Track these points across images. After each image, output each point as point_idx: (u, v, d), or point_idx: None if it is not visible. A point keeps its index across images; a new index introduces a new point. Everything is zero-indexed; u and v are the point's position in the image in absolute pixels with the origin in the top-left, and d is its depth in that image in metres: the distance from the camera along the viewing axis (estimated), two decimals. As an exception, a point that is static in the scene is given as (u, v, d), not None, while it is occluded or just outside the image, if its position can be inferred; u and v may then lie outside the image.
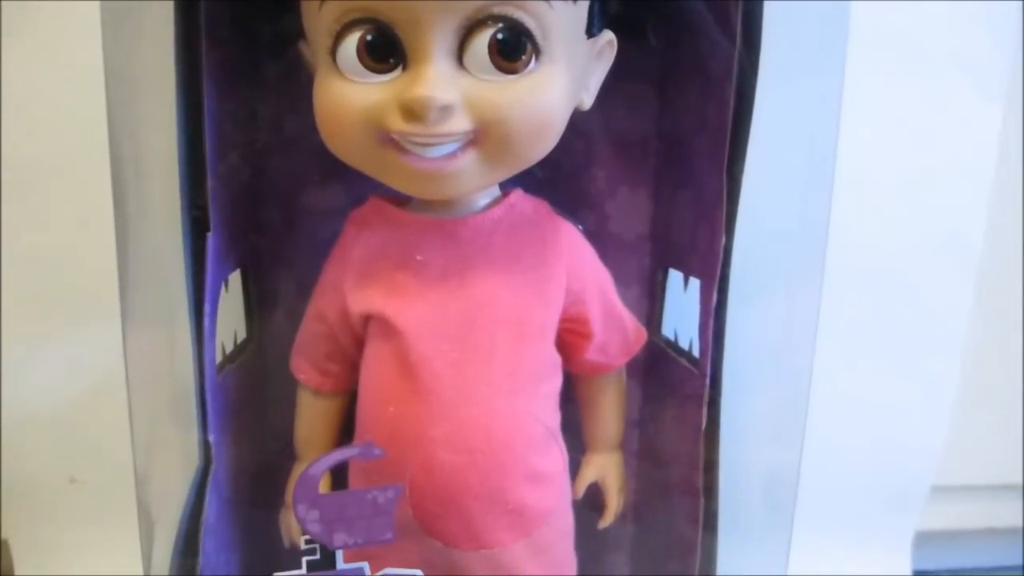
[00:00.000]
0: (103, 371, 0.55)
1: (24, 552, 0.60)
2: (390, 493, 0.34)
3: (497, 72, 0.33)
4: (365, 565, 0.34)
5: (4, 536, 0.60)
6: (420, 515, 0.38)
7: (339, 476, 0.40)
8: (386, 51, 0.33)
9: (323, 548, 0.34)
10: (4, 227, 0.53)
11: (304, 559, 0.34)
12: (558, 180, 0.44)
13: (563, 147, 0.37)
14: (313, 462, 0.34)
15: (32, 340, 0.56)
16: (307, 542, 0.34)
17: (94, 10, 0.34)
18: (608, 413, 0.46)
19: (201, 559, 0.39)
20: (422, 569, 0.35)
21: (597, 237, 0.44)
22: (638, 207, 0.50)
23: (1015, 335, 0.66)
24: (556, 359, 0.41)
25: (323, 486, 0.34)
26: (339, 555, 0.34)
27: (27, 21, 0.50)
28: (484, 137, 0.34)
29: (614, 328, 0.43)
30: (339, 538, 0.33)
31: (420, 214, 0.39)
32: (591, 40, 0.37)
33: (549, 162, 0.37)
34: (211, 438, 0.39)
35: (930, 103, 0.56)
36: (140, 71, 0.36)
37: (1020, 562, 0.70)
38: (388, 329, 0.38)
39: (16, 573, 0.59)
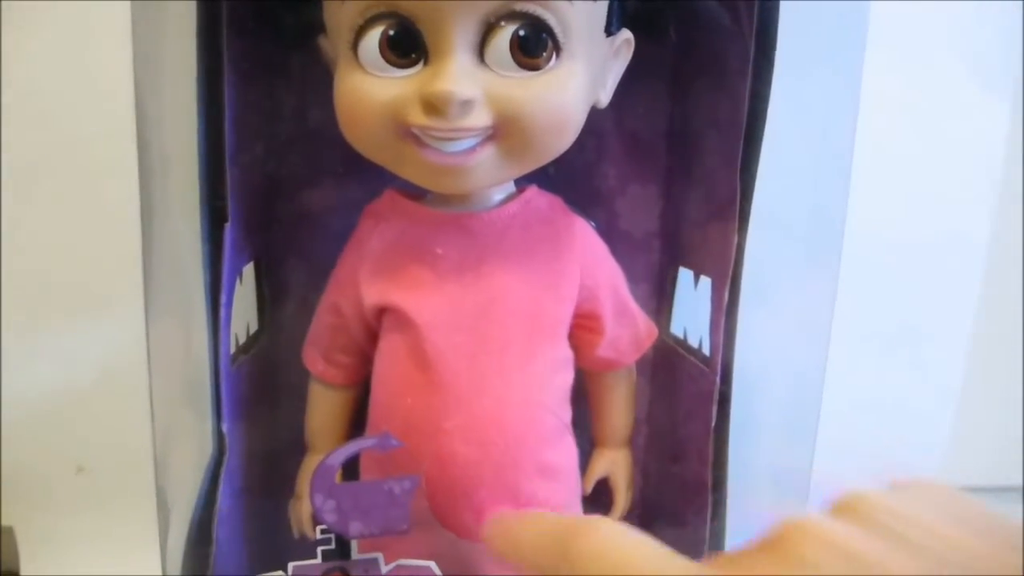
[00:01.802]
0: (112, 360, 0.55)
1: (29, 541, 0.60)
2: (406, 484, 0.34)
3: (518, 68, 0.34)
4: (379, 555, 0.35)
5: (10, 525, 0.60)
6: (433, 506, 0.38)
7: (351, 467, 0.40)
8: (408, 46, 0.33)
9: (338, 538, 0.34)
10: (18, 213, 0.53)
11: (319, 548, 0.34)
12: (569, 177, 0.45)
13: (575, 144, 0.37)
14: (330, 452, 0.34)
15: (40, 327, 0.56)
16: (322, 532, 0.34)
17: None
18: (618, 409, 0.46)
19: (213, 547, 0.39)
20: (433, 560, 0.35)
21: (607, 234, 0.44)
22: (648, 204, 0.50)
23: (1016, 337, 0.66)
24: (568, 354, 0.41)
25: (336, 476, 0.35)
26: (354, 545, 0.34)
27: (42, 12, 0.50)
28: (503, 132, 0.34)
29: (625, 324, 0.43)
30: (355, 528, 0.34)
31: (436, 208, 0.40)
32: (609, 39, 0.38)
33: (561, 159, 0.38)
34: (224, 428, 0.40)
35: (939, 100, 0.57)
36: (167, 59, 0.36)
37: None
38: (403, 321, 0.39)
39: (21, 561, 0.59)
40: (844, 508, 0.22)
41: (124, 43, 0.36)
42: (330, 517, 0.33)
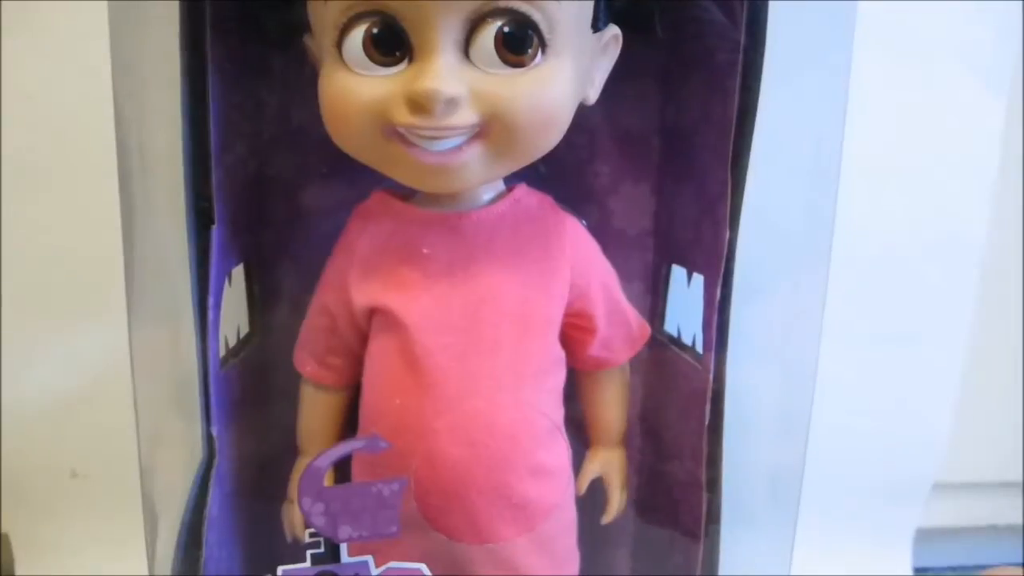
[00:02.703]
0: (105, 364, 0.55)
1: (24, 546, 0.59)
2: (395, 486, 0.34)
3: (503, 65, 0.33)
4: (369, 559, 0.34)
5: (4, 530, 0.60)
6: (424, 508, 0.38)
7: (342, 468, 0.40)
8: (392, 44, 0.33)
9: (327, 541, 0.34)
10: (5, 220, 0.53)
11: (308, 552, 0.34)
12: (561, 175, 0.44)
13: (566, 142, 0.37)
14: (319, 454, 0.34)
15: (33, 333, 0.56)
16: (311, 535, 0.34)
17: (98, 2, 0.34)
18: (611, 408, 0.46)
19: (204, 551, 0.39)
20: (425, 563, 0.35)
21: (600, 232, 0.44)
22: (641, 202, 0.50)
23: (1015, 333, 0.66)
24: (560, 354, 0.41)
25: (326, 479, 0.34)
26: (343, 548, 0.34)
27: (30, 13, 0.49)
28: (490, 130, 0.34)
29: (618, 323, 0.43)
30: (344, 531, 0.33)
31: (424, 208, 0.39)
32: (597, 34, 0.37)
33: (552, 157, 0.37)
34: (214, 431, 0.39)
35: (933, 99, 0.56)
36: (147, 62, 0.36)
37: (1020, 559, 0.70)
38: (393, 322, 0.38)
39: (16, 567, 0.59)
40: None
41: (107, 44, 0.36)
42: (319, 520, 0.33)
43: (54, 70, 0.50)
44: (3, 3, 0.49)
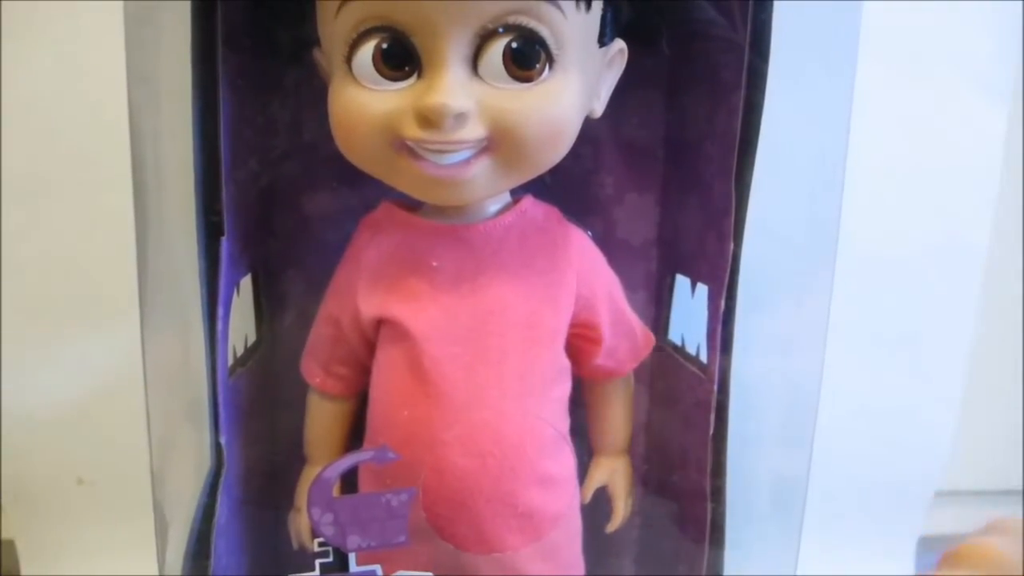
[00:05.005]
0: (111, 372, 0.55)
1: (31, 553, 0.60)
2: (404, 496, 0.34)
3: (511, 80, 0.34)
4: (377, 568, 0.35)
5: (10, 537, 0.60)
6: (432, 518, 0.38)
7: (349, 478, 0.40)
8: (402, 59, 0.34)
9: (336, 551, 0.34)
10: (18, 227, 0.53)
11: (317, 562, 0.34)
12: (566, 186, 0.45)
13: (571, 153, 0.37)
14: (328, 465, 0.34)
15: (40, 340, 0.56)
16: (320, 544, 0.34)
17: (112, 11, 0.35)
18: (616, 418, 0.46)
19: (213, 560, 0.39)
20: (432, 572, 0.35)
21: (604, 242, 0.44)
22: (646, 213, 0.50)
23: (1016, 341, 0.66)
24: (566, 364, 0.41)
25: (334, 489, 0.35)
26: (352, 558, 0.34)
27: (42, 14, 0.50)
28: (498, 144, 0.34)
29: (623, 333, 0.43)
30: (353, 540, 0.34)
31: (432, 219, 0.40)
32: (603, 49, 0.38)
33: (557, 168, 0.38)
34: (222, 440, 0.40)
35: (935, 107, 0.57)
36: (162, 75, 0.36)
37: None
38: (400, 333, 0.39)
39: (23, 574, 0.59)
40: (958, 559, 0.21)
41: (121, 56, 0.36)
42: (328, 530, 0.33)
43: (69, 77, 0.50)
44: (13, 3, 0.49)
